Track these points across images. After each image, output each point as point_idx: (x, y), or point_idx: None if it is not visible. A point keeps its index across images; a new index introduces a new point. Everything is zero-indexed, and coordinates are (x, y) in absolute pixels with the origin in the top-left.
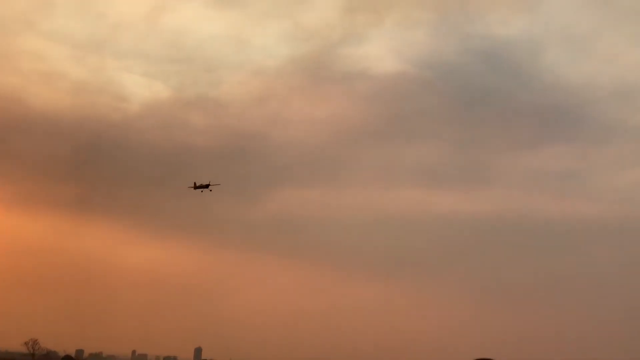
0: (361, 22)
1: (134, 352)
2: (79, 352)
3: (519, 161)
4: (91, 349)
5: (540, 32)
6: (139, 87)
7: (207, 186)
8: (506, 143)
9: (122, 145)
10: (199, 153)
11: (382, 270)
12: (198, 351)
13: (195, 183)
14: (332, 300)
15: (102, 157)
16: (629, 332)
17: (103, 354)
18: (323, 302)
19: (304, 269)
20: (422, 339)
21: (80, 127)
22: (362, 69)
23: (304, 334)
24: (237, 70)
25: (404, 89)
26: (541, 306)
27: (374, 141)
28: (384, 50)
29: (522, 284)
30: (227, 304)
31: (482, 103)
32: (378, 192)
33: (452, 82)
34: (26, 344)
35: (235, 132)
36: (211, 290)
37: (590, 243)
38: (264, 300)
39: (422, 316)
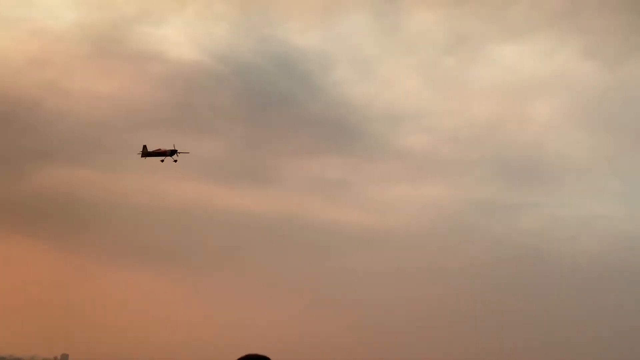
0: (160, 2)
1: None
2: None
3: (300, 166)
4: None
5: (332, 48)
6: None
7: (172, 154)
8: (291, 148)
9: None
10: None
11: (157, 261)
12: None
13: (145, 148)
14: (98, 290)
15: None
16: (376, 329)
17: None
18: (87, 292)
19: (68, 255)
20: (195, 333)
21: None
22: (156, 51)
23: (58, 326)
24: (11, 27)
25: (199, 80)
26: (303, 303)
27: (162, 127)
28: (181, 36)
29: (291, 281)
30: None
31: (273, 106)
32: (161, 180)
33: (247, 81)
34: None
35: (1, 94)
36: None
37: (354, 247)
38: (15, 287)
39: (196, 310)
